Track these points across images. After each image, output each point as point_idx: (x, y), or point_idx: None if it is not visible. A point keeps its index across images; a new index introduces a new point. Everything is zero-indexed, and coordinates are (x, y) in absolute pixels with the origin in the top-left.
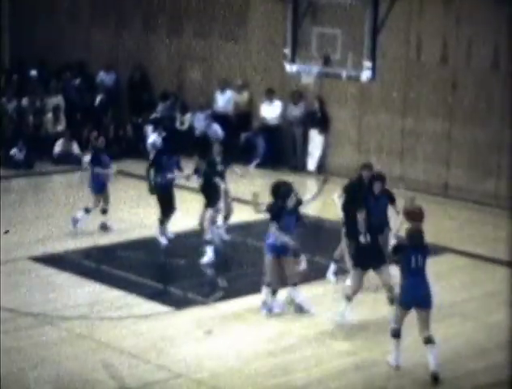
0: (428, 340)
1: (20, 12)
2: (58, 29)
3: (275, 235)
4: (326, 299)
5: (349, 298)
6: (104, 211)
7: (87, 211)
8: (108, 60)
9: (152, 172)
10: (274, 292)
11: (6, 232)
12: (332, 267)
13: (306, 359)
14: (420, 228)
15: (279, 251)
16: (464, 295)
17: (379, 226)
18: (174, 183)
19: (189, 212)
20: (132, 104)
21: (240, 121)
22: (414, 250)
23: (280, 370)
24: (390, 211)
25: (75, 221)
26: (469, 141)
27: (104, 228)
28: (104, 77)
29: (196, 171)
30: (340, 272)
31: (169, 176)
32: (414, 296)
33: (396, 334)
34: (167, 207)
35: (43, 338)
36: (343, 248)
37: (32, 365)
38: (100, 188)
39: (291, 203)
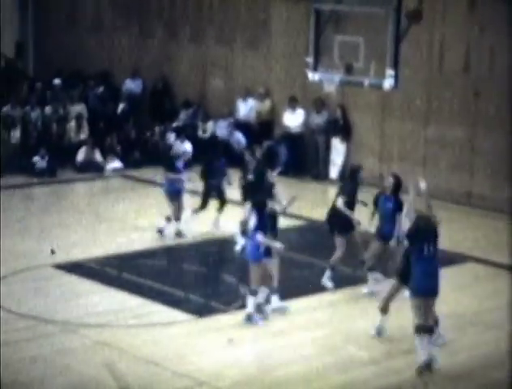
0: (431, 330)
1: (44, 21)
2: (81, 38)
3: (259, 241)
4: (343, 307)
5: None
6: (168, 219)
7: (168, 219)
8: (132, 68)
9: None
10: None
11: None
12: (328, 273)
13: (327, 367)
14: (431, 217)
15: (265, 256)
16: (488, 304)
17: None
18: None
19: (210, 220)
20: (154, 112)
21: (262, 129)
22: (426, 238)
23: (301, 379)
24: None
25: (161, 231)
26: (492, 149)
27: (160, 232)
28: (131, 84)
29: (245, 169)
30: (337, 279)
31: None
32: (427, 283)
33: (426, 329)
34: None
35: (66, 345)
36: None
37: (55, 372)
38: (173, 195)
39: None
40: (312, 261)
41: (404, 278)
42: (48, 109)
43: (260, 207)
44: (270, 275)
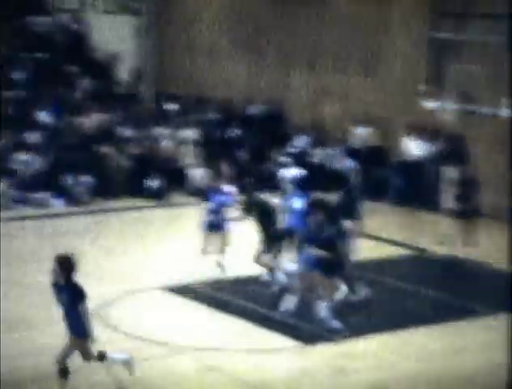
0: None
1: (162, 48)
2: (199, 64)
3: None
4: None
5: None
6: None
7: None
8: (248, 95)
9: None
10: None
11: None
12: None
13: None
14: None
15: None
16: None
17: None
18: None
19: None
20: (267, 137)
21: (375, 156)
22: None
23: None
24: None
25: None
26: None
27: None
28: (250, 110)
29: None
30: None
31: None
32: None
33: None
34: None
35: (174, 367)
36: None
37: None
38: None
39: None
40: (419, 291)
41: None
42: (162, 132)
43: None
44: None
